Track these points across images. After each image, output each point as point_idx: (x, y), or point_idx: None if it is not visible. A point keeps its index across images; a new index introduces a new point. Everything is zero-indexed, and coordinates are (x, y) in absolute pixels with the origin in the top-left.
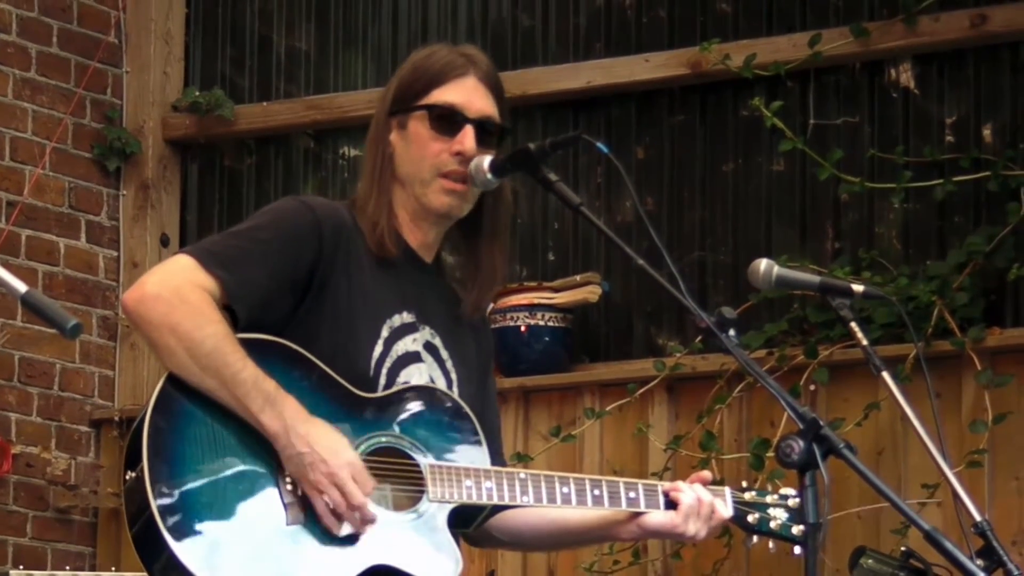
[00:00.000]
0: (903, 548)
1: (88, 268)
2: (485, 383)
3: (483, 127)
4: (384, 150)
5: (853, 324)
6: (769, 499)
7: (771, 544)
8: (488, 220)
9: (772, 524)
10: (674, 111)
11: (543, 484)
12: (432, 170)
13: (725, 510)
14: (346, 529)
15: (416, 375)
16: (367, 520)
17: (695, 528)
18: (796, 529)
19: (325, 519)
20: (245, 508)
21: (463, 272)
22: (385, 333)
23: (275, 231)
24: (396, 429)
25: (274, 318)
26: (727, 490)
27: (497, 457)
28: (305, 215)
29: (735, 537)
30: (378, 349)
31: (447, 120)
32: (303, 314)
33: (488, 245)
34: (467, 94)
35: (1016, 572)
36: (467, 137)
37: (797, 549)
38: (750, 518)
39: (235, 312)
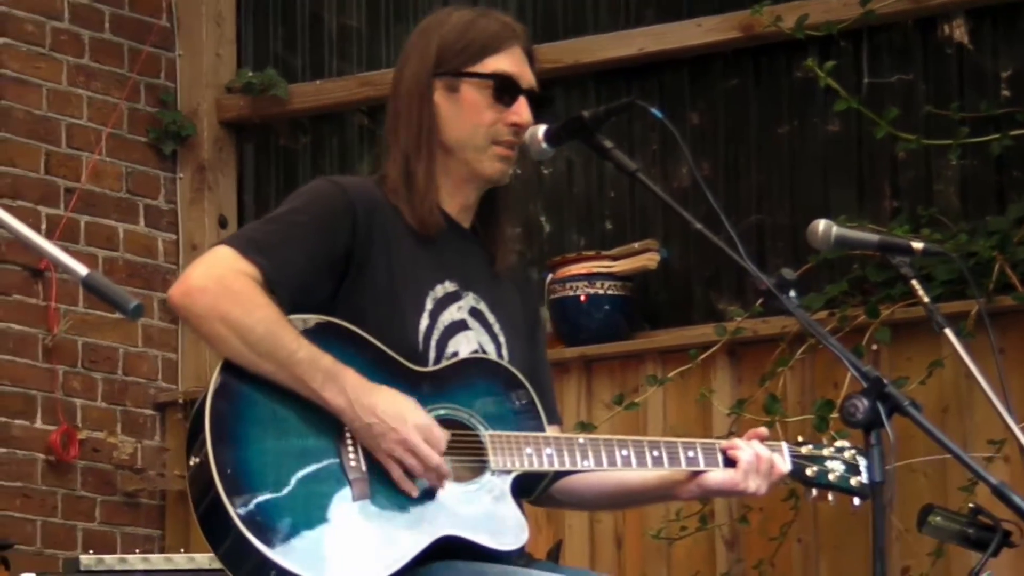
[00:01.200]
0: (971, 505)
1: (148, 252)
2: (534, 341)
3: (532, 97)
4: (429, 111)
5: (914, 282)
6: (826, 452)
7: (830, 497)
8: (503, 191)
9: (830, 476)
10: (727, 75)
11: (602, 448)
12: (487, 138)
13: (784, 464)
14: (422, 487)
15: (464, 343)
16: (444, 476)
17: (756, 484)
18: (854, 481)
19: (402, 484)
20: (310, 486)
21: (484, 234)
22: (429, 305)
23: (310, 214)
24: (453, 401)
25: (315, 300)
26: (784, 445)
27: (552, 415)
28: (338, 196)
29: (801, 500)
30: (424, 322)
31: (506, 90)
32: (345, 295)
33: (503, 213)
34: (519, 64)
35: None
36: (524, 108)
37: (856, 500)
38: (808, 471)
39: (277, 297)
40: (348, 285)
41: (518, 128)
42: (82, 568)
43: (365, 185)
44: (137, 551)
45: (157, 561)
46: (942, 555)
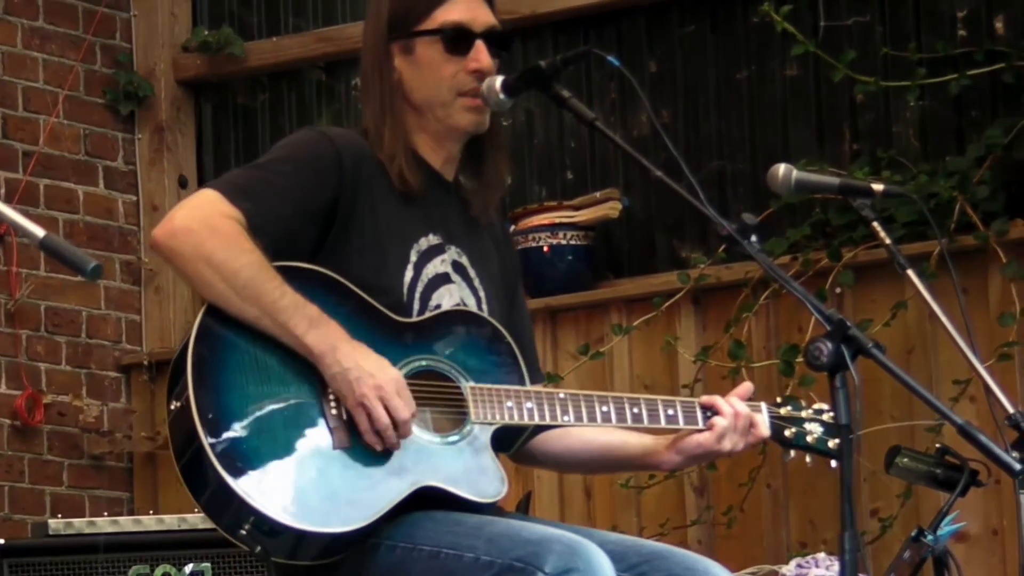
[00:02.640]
0: (938, 445)
1: (108, 214)
2: (514, 297)
3: (490, 39)
4: (389, 77)
5: (875, 224)
6: (804, 414)
7: (808, 459)
8: (489, 136)
9: (808, 439)
10: (684, 22)
11: (583, 404)
12: (451, 91)
13: (763, 426)
14: (379, 445)
15: (447, 296)
16: (405, 436)
17: (731, 443)
18: (832, 443)
19: (367, 436)
20: (292, 433)
21: (468, 180)
22: (414, 257)
23: (296, 163)
24: (435, 352)
25: (299, 249)
26: (763, 405)
27: (534, 370)
28: (325, 146)
29: (769, 446)
30: (409, 274)
31: (458, 40)
32: (330, 245)
33: (491, 153)
34: (470, 9)
35: None
36: (481, 53)
37: (833, 463)
38: (787, 433)
39: (261, 242)
40: (334, 235)
41: (480, 74)
42: (51, 532)
43: (352, 137)
44: (105, 514)
45: (126, 523)
46: (910, 496)
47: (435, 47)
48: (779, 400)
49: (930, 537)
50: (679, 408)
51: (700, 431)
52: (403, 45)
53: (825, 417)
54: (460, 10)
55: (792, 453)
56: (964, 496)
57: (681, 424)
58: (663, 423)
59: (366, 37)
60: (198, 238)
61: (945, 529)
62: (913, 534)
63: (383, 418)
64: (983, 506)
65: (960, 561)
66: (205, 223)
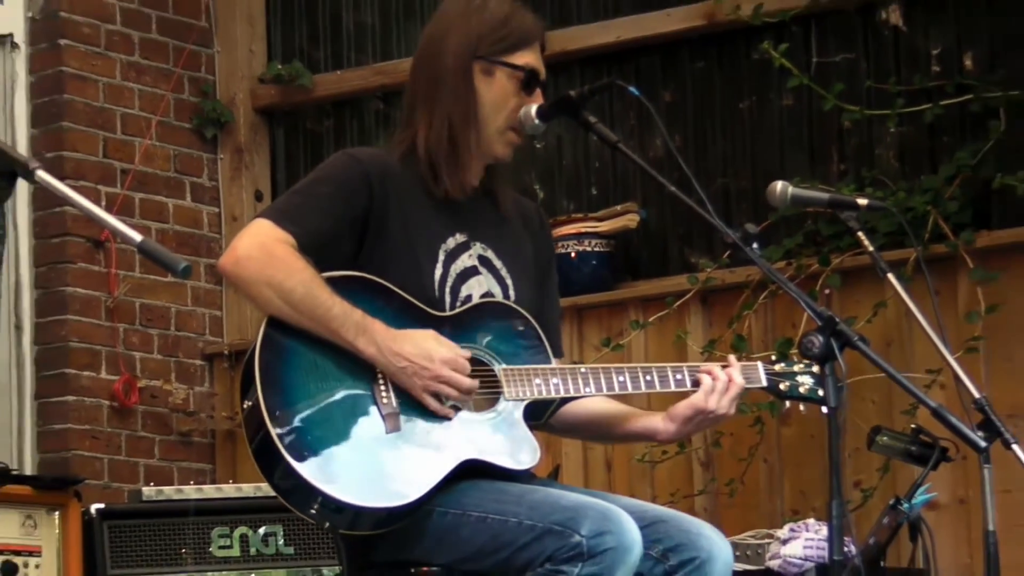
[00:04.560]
0: (913, 425)
1: (194, 224)
2: (544, 281)
3: (543, 86)
4: (473, 87)
5: (860, 234)
6: (796, 368)
7: (802, 407)
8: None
9: (801, 389)
10: (694, 59)
11: (601, 375)
12: (507, 122)
13: (740, 378)
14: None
15: (476, 287)
16: (473, 392)
17: (715, 402)
18: (822, 392)
19: (440, 411)
20: (349, 423)
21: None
22: (442, 256)
23: (330, 184)
24: (470, 341)
25: (342, 256)
26: (759, 364)
27: (556, 346)
28: (354, 167)
29: (767, 425)
30: (439, 271)
31: (531, 83)
32: (368, 252)
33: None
34: (539, 60)
35: (1012, 440)
36: (540, 98)
37: (824, 408)
38: (782, 386)
39: (310, 258)
40: (370, 241)
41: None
42: (144, 499)
43: (378, 154)
44: (191, 483)
45: (209, 491)
46: (888, 470)
47: (513, 81)
48: (773, 358)
49: (905, 505)
50: (686, 373)
51: (693, 392)
52: (485, 67)
53: (815, 369)
54: (536, 58)
55: (787, 404)
56: (935, 470)
57: (688, 386)
58: (672, 387)
59: (447, 46)
60: (258, 264)
61: (918, 499)
62: (891, 503)
63: (453, 395)
64: (952, 479)
65: (931, 527)
66: (263, 250)
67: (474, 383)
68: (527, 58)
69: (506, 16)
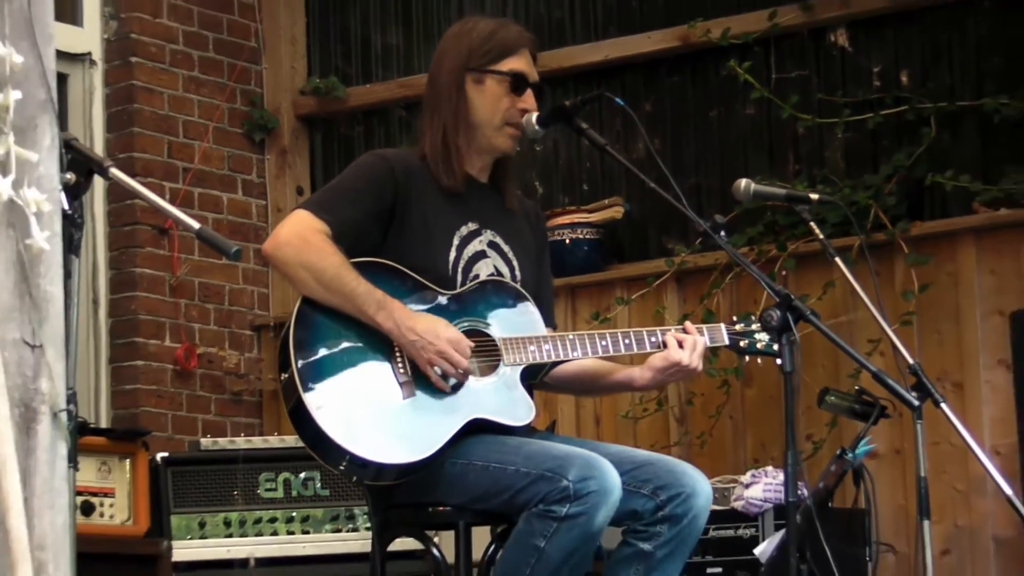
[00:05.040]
0: (856, 387)
1: (244, 214)
2: (541, 263)
3: (534, 88)
4: (463, 97)
5: (812, 224)
6: (754, 327)
7: (759, 360)
8: (509, 158)
9: (759, 345)
10: (671, 74)
11: (587, 340)
12: (503, 119)
13: (702, 339)
14: (452, 383)
15: (484, 268)
16: (469, 374)
17: (687, 357)
18: (777, 346)
19: (438, 384)
20: (369, 390)
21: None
22: (456, 241)
23: (361, 180)
24: (474, 315)
25: (369, 244)
26: (722, 325)
27: (548, 317)
28: (381, 165)
29: (732, 387)
30: (452, 254)
31: (519, 84)
32: (392, 237)
33: (506, 167)
34: (528, 64)
35: (941, 400)
36: (530, 98)
37: (779, 361)
38: (742, 343)
39: (342, 245)
40: (394, 230)
41: (525, 112)
42: (202, 448)
43: (402, 155)
44: (242, 435)
45: (257, 442)
46: (836, 425)
47: (502, 85)
48: (734, 319)
49: (850, 455)
50: (659, 335)
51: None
52: (476, 77)
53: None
54: (523, 63)
55: (747, 358)
56: (876, 425)
57: (661, 347)
58: (648, 348)
59: (444, 66)
60: (295, 249)
61: (861, 449)
62: (838, 453)
63: (450, 370)
64: (889, 433)
65: (872, 473)
66: (300, 237)
67: (470, 366)
68: (512, 64)
69: (491, 31)
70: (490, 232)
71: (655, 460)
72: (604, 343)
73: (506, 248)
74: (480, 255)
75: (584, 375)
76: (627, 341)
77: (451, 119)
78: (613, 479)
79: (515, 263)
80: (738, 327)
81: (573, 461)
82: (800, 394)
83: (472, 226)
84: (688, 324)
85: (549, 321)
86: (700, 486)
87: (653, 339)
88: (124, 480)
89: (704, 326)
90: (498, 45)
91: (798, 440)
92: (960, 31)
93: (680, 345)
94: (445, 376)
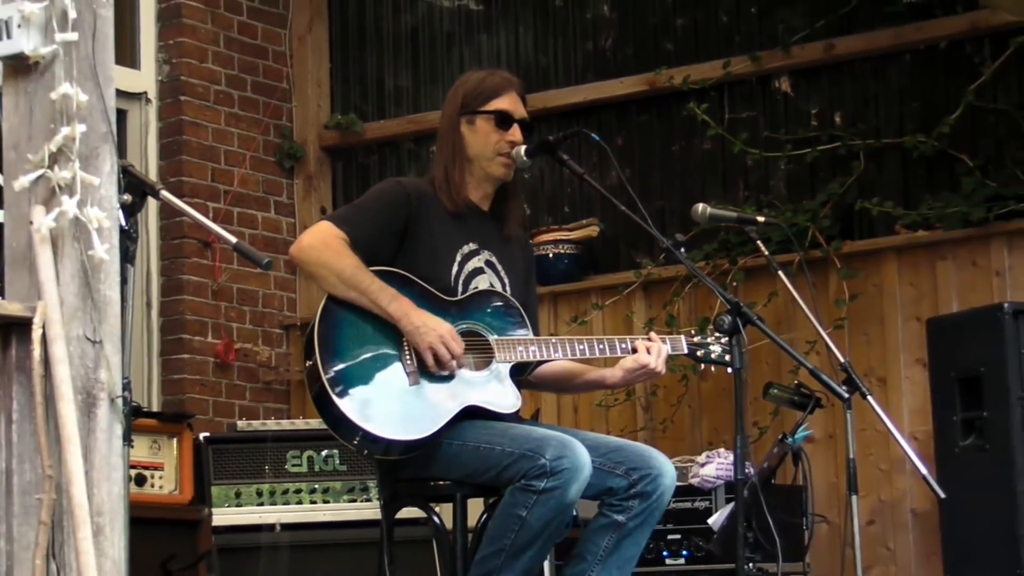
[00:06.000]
0: (796, 382)
1: (276, 231)
2: (528, 281)
3: (522, 124)
4: (458, 138)
5: (759, 242)
6: (709, 340)
7: (713, 369)
8: (512, 184)
9: (713, 355)
10: (640, 113)
11: (567, 344)
12: (494, 151)
13: (666, 348)
14: (444, 371)
15: (483, 282)
16: (461, 365)
17: (653, 362)
18: (728, 357)
19: (433, 369)
20: (382, 377)
21: (499, 212)
22: (458, 258)
23: (379, 202)
24: (472, 319)
25: (384, 257)
26: (683, 337)
27: (535, 325)
28: (398, 189)
29: (690, 381)
30: (455, 269)
31: (504, 121)
32: (404, 252)
33: (512, 196)
34: (514, 104)
35: (867, 393)
36: (516, 132)
37: (729, 369)
38: (699, 353)
39: (358, 253)
40: (405, 246)
41: (514, 144)
42: (238, 430)
43: (417, 182)
44: (272, 418)
45: (284, 424)
46: (778, 414)
47: (490, 123)
48: (693, 332)
49: (790, 440)
50: (629, 342)
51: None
52: (468, 119)
53: (723, 341)
54: (508, 103)
55: (702, 366)
56: (812, 414)
57: (630, 353)
58: (619, 353)
59: (444, 114)
60: (318, 251)
61: (799, 435)
62: (780, 437)
63: (445, 356)
64: (823, 421)
65: (809, 455)
66: (322, 241)
67: (461, 357)
68: (498, 104)
69: (481, 79)
70: (487, 252)
71: (627, 445)
72: (582, 347)
73: (500, 268)
74: (479, 271)
75: (563, 374)
76: (601, 346)
77: (450, 156)
78: (584, 458)
79: (507, 280)
80: (696, 339)
81: (550, 443)
82: (748, 387)
83: (472, 246)
84: (653, 334)
85: (535, 328)
86: (666, 468)
87: (624, 345)
88: (172, 456)
89: (668, 336)
90: (487, 90)
91: (746, 426)
92: (885, 80)
93: (647, 351)
94: (440, 363)
